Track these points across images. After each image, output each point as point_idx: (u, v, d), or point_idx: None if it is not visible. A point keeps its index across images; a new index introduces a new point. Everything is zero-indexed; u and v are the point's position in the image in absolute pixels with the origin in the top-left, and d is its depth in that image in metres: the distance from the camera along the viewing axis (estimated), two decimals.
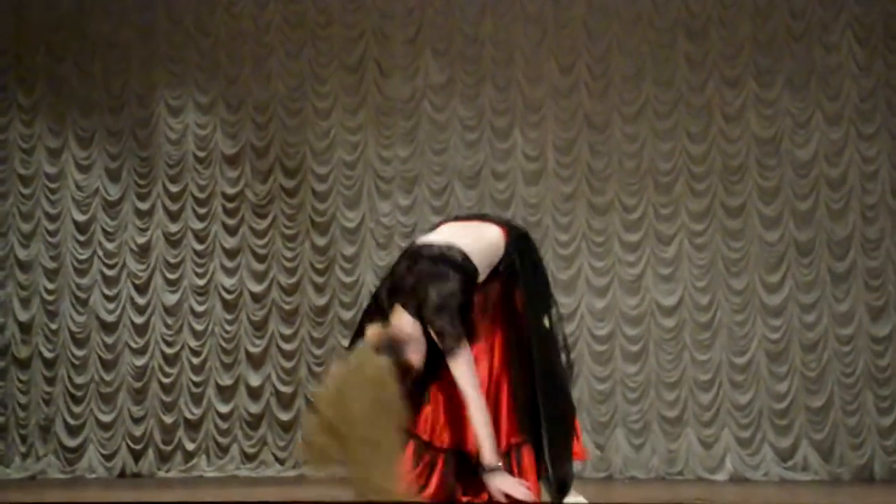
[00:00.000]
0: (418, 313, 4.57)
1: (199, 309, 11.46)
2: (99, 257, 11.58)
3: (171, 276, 11.52)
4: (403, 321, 4.61)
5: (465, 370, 4.52)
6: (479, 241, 4.75)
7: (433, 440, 4.77)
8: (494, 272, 4.78)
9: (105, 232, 11.61)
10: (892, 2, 11.32)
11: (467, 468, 4.71)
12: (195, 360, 11.38)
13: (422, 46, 11.57)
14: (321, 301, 11.40)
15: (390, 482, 4.34)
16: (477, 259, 4.69)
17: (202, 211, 11.57)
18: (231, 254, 11.53)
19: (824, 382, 11.00)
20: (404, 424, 4.50)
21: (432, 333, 4.55)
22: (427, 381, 4.76)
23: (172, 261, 11.54)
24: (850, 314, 11.08)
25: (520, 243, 4.87)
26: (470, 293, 4.64)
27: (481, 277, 4.71)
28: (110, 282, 11.55)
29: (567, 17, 11.54)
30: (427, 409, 4.79)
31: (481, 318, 4.79)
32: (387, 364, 4.45)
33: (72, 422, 11.37)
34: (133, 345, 11.43)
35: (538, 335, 4.75)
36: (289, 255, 11.47)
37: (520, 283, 4.78)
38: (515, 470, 4.67)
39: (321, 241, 11.46)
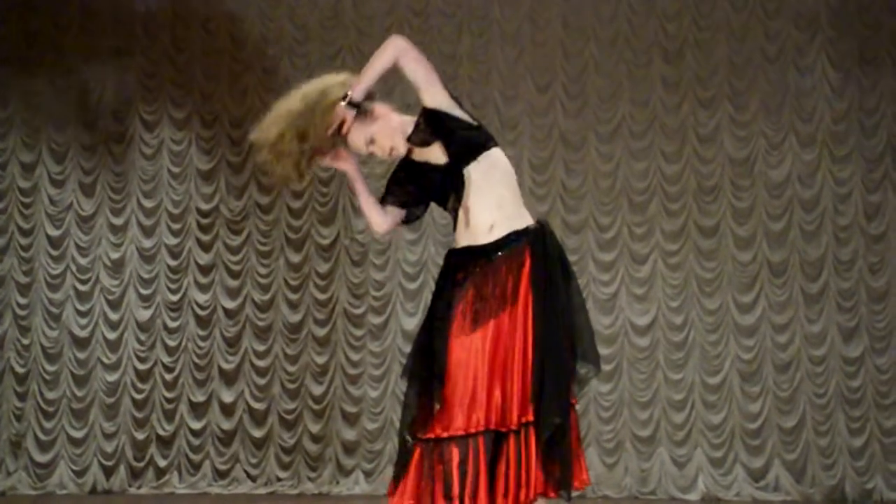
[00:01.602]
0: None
1: (173, 325, 11.42)
2: (72, 272, 11.53)
3: (144, 292, 11.48)
4: (393, 113, 4.75)
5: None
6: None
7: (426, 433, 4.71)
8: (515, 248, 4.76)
9: (78, 247, 11.56)
10: (865, 26, 11.41)
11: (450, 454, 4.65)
12: (168, 377, 11.33)
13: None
14: (295, 318, 11.38)
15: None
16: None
17: (176, 227, 11.54)
18: (205, 270, 11.50)
19: (796, 403, 11.04)
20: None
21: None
22: (436, 383, 4.71)
23: (146, 276, 11.50)
24: (822, 335, 11.13)
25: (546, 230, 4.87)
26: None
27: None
28: (83, 297, 11.50)
29: (544, 37, 11.58)
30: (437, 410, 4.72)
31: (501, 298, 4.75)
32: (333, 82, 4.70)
33: (43, 437, 11.30)
34: (105, 360, 11.38)
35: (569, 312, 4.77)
36: (263, 271, 11.45)
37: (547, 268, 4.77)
38: (524, 450, 4.61)
39: (295, 258, 11.45)
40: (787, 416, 11.02)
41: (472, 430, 4.60)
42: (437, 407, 4.66)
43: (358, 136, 4.75)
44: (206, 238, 11.52)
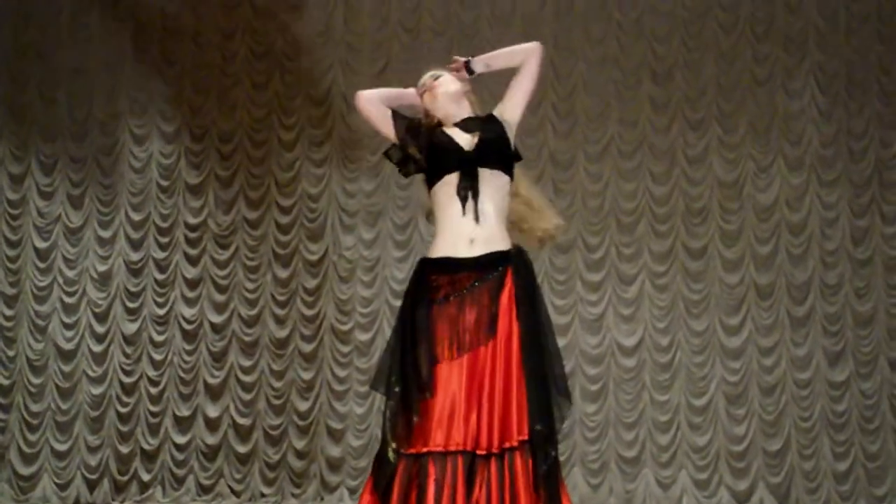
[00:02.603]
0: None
1: (159, 339, 11.39)
2: (59, 284, 11.50)
3: (131, 305, 11.45)
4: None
5: None
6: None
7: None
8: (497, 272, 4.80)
9: (66, 259, 11.54)
10: (853, 50, 11.45)
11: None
12: (153, 390, 11.31)
13: (389, 80, 11.52)
14: (282, 333, 11.36)
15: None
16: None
17: (164, 240, 11.53)
18: (192, 284, 11.48)
19: (781, 426, 11.05)
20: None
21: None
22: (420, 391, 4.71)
23: (133, 289, 11.48)
24: (808, 358, 11.14)
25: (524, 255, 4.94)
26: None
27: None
28: (69, 309, 11.47)
29: None
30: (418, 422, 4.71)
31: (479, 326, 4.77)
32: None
33: (27, 450, 11.26)
34: (91, 373, 11.35)
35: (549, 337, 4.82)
36: (250, 286, 11.44)
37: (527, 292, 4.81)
38: (507, 473, 4.62)
39: (283, 274, 11.44)
40: (772, 440, 11.02)
41: (452, 449, 4.60)
42: (416, 419, 4.66)
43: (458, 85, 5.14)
44: (193, 252, 11.51)
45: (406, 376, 4.73)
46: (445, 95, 5.09)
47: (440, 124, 5.08)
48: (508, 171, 5.00)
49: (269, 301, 11.41)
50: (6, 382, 11.35)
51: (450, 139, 4.97)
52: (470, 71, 5.17)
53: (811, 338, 11.17)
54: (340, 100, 11.58)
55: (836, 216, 11.32)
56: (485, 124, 5.05)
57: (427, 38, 11.61)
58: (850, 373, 11.10)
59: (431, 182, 4.96)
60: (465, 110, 5.11)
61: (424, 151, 4.98)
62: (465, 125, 5.03)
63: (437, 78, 5.17)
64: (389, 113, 5.09)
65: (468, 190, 4.86)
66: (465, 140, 4.97)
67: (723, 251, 11.30)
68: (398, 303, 11.49)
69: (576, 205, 11.40)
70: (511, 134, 5.07)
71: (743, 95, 11.44)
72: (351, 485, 11.06)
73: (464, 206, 4.84)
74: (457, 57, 5.19)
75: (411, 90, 5.22)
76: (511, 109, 5.09)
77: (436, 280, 4.81)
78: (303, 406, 11.21)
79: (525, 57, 5.10)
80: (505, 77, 5.31)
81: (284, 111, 11.62)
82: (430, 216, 5.04)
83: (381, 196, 11.48)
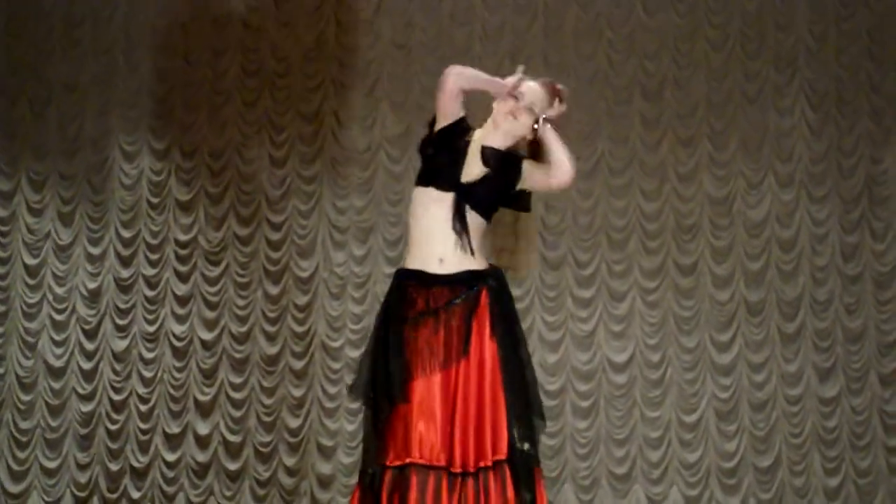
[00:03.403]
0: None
1: (149, 356, 11.37)
2: (48, 301, 11.48)
3: (121, 322, 11.43)
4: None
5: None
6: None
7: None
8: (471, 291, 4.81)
9: (55, 276, 11.51)
10: (843, 68, 11.49)
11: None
12: (143, 408, 11.27)
13: (380, 97, 11.60)
14: (272, 350, 11.34)
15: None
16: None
17: (154, 257, 11.51)
18: (182, 301, 11.45)
19: (772, 442, 11.05)
20: None
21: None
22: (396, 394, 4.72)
23: (123, 306, 11.45)
24: (798, 374, 11.15)
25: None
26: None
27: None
28: (59, 326, 11.44)
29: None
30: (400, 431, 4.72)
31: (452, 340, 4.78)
32: None
33: (16, 467, 11.22)
34: (80, 391, 11.32)
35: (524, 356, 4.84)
36: (241, 303, 11.42)
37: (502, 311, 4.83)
38: (482, 493, 4.62)
39: (274, 290, 11.42)
40: (762, 456, 11.03)
41: (435, 463, 4.62)
42: (391, 432, 4.68)
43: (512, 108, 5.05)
44: (183, 269, 11.49)
45: (379, 390, 4.75)
46: (514, 128, 5.07)
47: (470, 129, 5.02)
48: (487, 217, 4.93)
49: (260, 318, 11.39)
50: None
51: (461, 159, 4.93)
52: (534, 128, 5.06)
53: (802, 354, 11.18)
54: (331, 117, 11.58)
55: (826, 232, 11.34)
56: (504, 166, 4.98)
57: (419, 55, 11.62)
58: (841, 388, 11.12)
59: (420, 181, 4.96)
60: (503, 142, 5.03)
61: (435, 149, 4.97)
62: (486, 156, 4.96)
63: (530, 110, 5.11)
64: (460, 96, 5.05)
65: (460, 222, 4.84)
66: (474, 169, 4.91)
67: (713, 267, 11.32)
68: None
69: (566, 221, 11.40)
70: (520, 186, 5.00)
71: (733, 113, 11.46)
72: (341, 502, 11.04)
73: (455, 236, 4.83)
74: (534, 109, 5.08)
75: (500, 84, 5.18)
76: (531, 185, 5.03)
77: (412, 293, 4.82)
78: (293, 423, 11.19)
79: (560, 168, 5.00)
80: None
81: (275, 128, 11.62)
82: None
83: (372, 212, 11.47)
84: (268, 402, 11.24)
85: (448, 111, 4.99)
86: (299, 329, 11.34)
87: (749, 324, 11.22)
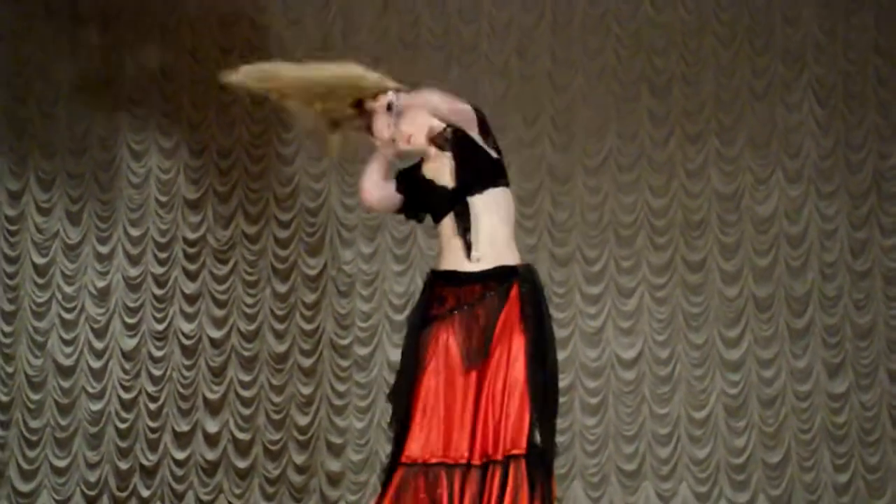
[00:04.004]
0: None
1: (158, 354, 11.38)
2: (57, 301, 11.49)
3: (129, 321, 11.44)
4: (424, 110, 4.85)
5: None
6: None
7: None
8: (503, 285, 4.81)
9: (64, 275, 11.52)
10: (851, 63, 11.47)
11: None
12: (152, 406, 11.29)
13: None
14: (281, 348, 11.35)
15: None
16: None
17: (163, 255, 11.52)
18: (191, 299, 11.46)
19: (781, 438, 11.04)
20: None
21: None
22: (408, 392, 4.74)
23: (131, 305, 11.46)
24: (807, 370, 11.14)
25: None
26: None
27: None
28: (68, 325, 11.46)
29: (532, 70, 11.61)
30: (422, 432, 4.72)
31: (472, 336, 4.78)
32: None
33: (26, 466, 11.24)
34: (90, 389, 11.33)
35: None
36: (249, 301, 11.43)
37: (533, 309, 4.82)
38: (497, 487, 4.62)
39: (282, 288, 11.43)
40: (772, 452, 11.02)
41: (459, 461, 4.63)
42: (397, 425, 4.70)
43: (382, 121, 4.89)
44: (192, 267, 11.50)
45: (401, 389, 4.77)
46: (378, 130, 4.95)
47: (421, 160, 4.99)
48: (489, 184, 4.88)
49: (269, 316, 11.40)
50: (5, 399, 11.33)
51: (427, 184, 4.90)
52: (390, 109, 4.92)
53: (811, 350, 11.17)
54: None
55: (834, 228, 11.32)
56: (453, 140, 4.89)
57: (425, 52, 11.62)
58: (850, 384, 11.10)
59: (434, 220, 4.95)
60: (417, 127, 4.92)
61: (417, 199, 4.96)
62: (440, 143, 4.88)
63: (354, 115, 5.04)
64: (392, 195, 5.01)
65: (465, 227, 4.84)
66: (445, 175, 4.88)
67: (721, 264, 11.31)
68: (398, 317, 11.55)
69: (574, 218, 11.40)
70: (480, 143, 4.88)
71: (741, 108, 11.45)
72: (351, 499, 11.05)
73: (452, 243, 4.84)
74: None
75: (382, 150, 4.96)
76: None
77: (443, 292, 4.82)
78: (302, 421, 11.20)
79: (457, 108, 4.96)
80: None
81: (283, 126, 11.62)
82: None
83: None
84: (277, 399, 11.25)
85: (390, 205, 5.00)
86: (308, 327, 11.34)
87: (758, 320, 11.21)
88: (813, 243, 11.29)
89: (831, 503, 10.91)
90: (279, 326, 11.38)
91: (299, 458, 11.15)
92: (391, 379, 11.01)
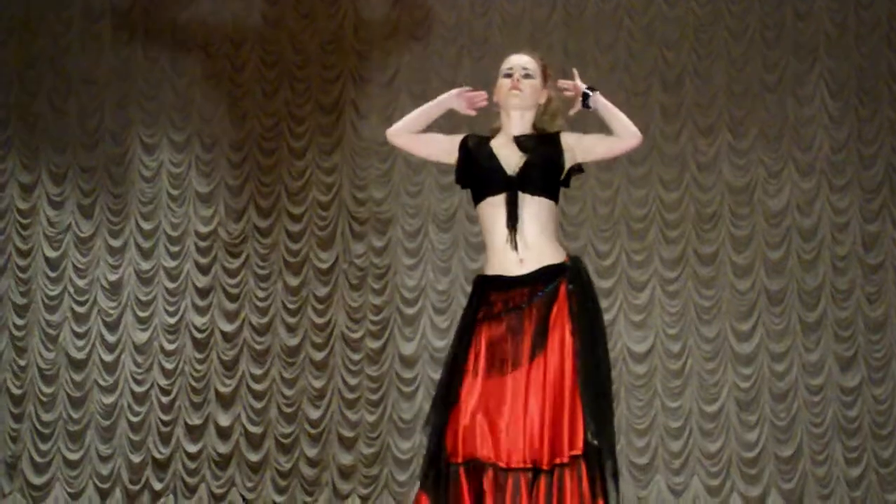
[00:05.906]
0: None
1: (170, 347, 11.40)
2: (69, 294, 11.51)
3: (141, 314, 11.46)
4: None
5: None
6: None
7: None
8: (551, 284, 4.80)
9: (76, 268, 11.55)
10: (863, 56, 11.45)
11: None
12: (164, 399, 11.31)
13: (399, 89, 11.60)
14: (293, 341, 11.36)
15: None
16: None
17: (175, 249, 11.54)
18: (203, 293, 11.48)
19: (794, 432, 11.02)
20: None
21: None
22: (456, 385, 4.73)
23: (144, 299, 11.48)
24: (819, 364, 11.12)
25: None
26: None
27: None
28: (80, 319, 11.48)
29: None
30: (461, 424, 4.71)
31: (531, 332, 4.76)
32: None
33: (38, 459, 11.27)
34: (102, 382, 11.36)
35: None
36: (261, 294, 11.44)
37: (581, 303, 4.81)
38: (555, 490, 4.60)
39: (294, 282, 11.44)
40: (784, 445, 11.00)
41: (522, 465, 4.61)
42: (460, 429, 4.66)
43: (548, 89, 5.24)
44: (204, 261, 11.51)
45: (447, 389, 4.75)
46: (525, 99, 5.14)
47: (491, 135, 4.99)
48: (552, 197, 4.91)
49: (280, 309, 11.41)
50: (18, 392, 11.36)
51: (493, 160, 4.90)
52: (585, 104, 5.14)
53: (823, 343, 11.15)
54: (350, 108, 11.59)
55: (846, 221, 11.30)
56: (540, 145, 4.97)
57: (438, 46, 11.62)
58: (862, 378, 11.08)
59: (476, 199, 4.94)
60: (527, 123, 5.06)
61: (466, 170, 4.95)
62: (521, 142, 4.94)
63: (527, 75, 5.17)
64: (424, 137, 5.03)
65: (511, 218, 4.82)
66: (512, 161, 4.90)
67: (733, 257, 11.29)
68: (409, 310, 11.54)
69: (586, 212, 11.39)
70: (568, 162, 4.97)
71: (753, 101, 11.43)
72: (362, 492, 11.06)
73: (507, 232, 4.82)
74: (579, 82, 5.14)
75: (433, 103, 5.21)
76: (583, 155, 5.00)
77: (491, 296, 4.80)
78: (314, 414, 11.21)
79: (626, 134, 4.97)
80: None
81: (294, 120, 11.63)
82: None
83: (392, 204, 11.48)
84: (288, 393, 11.26)
85: (432, 152, 5.11)
86: (319, 320, 11.35)
87: (770, 313, 11.19)
88: (825, 237, 11.27)
89: (844, 497, 10.89)
90: (291, 320, 11.39)
91: (311, 452, 11.16)
92: (403, 373, 11.08)
